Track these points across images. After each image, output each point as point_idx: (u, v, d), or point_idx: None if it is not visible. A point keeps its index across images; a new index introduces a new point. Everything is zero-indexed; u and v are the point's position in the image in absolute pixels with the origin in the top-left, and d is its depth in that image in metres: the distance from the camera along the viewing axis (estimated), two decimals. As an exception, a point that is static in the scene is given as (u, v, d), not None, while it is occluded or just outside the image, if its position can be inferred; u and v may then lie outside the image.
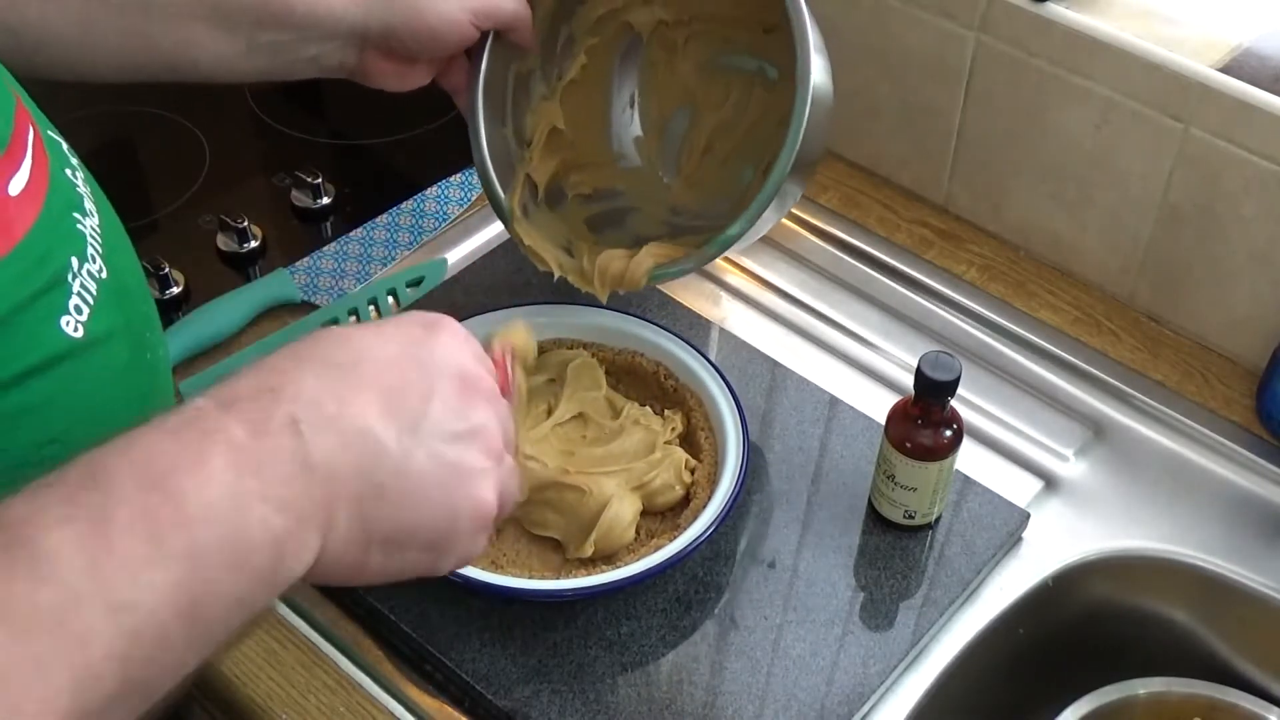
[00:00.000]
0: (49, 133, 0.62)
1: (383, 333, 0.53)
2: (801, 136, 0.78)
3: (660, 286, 1.02)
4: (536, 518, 0.83)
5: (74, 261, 0.58)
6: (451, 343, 0.54)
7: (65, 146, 0.64)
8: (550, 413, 0.85)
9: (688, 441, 0.88)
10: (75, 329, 0.57)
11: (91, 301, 0.58)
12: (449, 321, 0.56)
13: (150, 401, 0.66)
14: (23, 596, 0.40)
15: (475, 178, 1.13)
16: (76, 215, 0.60)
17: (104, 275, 0.60)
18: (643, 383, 0.91)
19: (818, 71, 0.79)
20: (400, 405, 0.50)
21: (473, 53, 0.85)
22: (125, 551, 0.42)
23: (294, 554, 0.47)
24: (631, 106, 0.96)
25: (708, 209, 0.92)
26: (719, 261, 1.07)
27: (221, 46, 0.77)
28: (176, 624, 0.42)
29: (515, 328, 0.69)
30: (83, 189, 0.62)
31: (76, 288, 0.58)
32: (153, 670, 0.43)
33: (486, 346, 0.62)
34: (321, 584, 0.50)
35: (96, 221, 0.62)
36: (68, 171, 0.62)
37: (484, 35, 0.83)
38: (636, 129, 0.96)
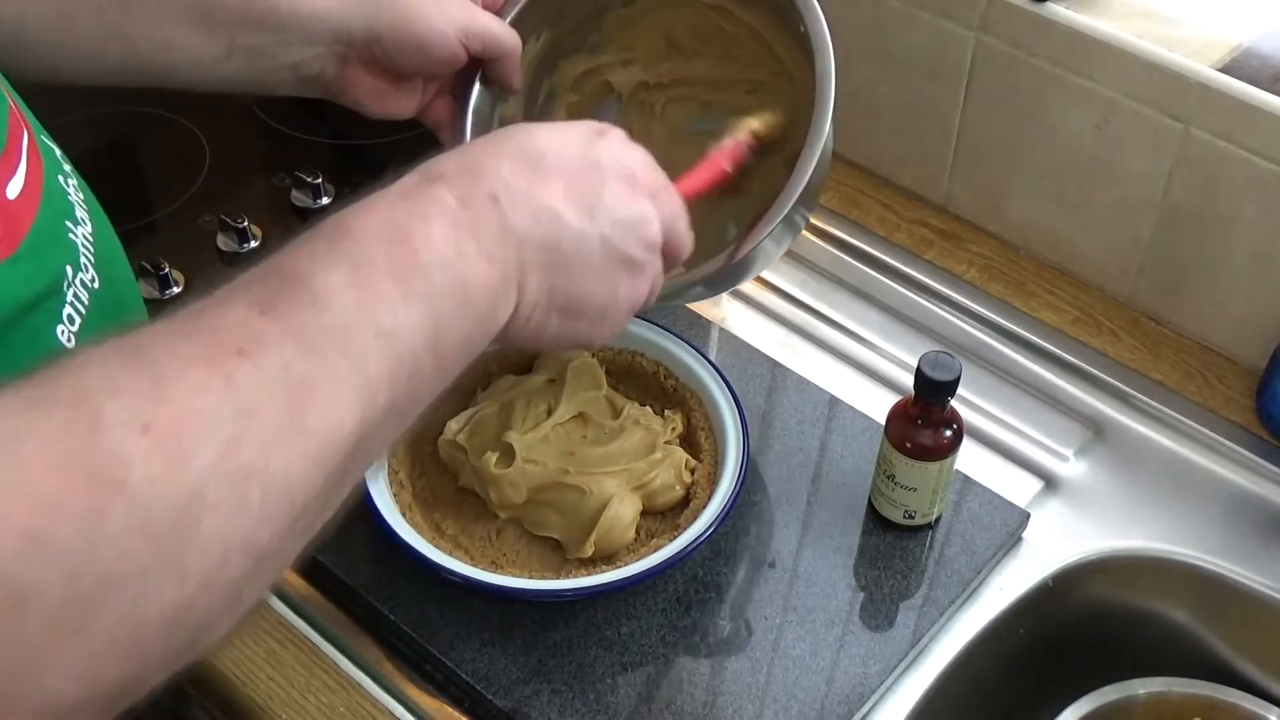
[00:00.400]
0: (42, 138, 0.62)
1: (563, 132, 0.60)
2: (806, 181, 0.75)
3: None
4: (537, 518, 0.83)
5: (69, 270, 0.58)
6: (620, 146, 0.62)
7: (58, 153, 0.63)
8: (550, 413, 0.85)
9: (688, 442, 0.88)
10: (69, 339, 0.57)
11: (84, 311, 0.59)
12: (617, 131, 0.63)
13: None
14: (311, 322, 0.47)
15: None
16: (69, 224, 0.60)
17: (96, 285, 0.60)
18: (643, 383, 0.91)
19: (827, 133, 0.77)
20: (579, 190, 0.58)
21: (458, 92, 0.82)
22: (383, 289, 0.49)
23: (501, 305, 0.55)
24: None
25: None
26: (719, 261, 1.08)
27: (200, 49, 0.75)
28: (425, 354, 0.50)
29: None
30: (75, 196, 0.62)
31: (70, 296, 0.58)
32: (408, 396, 0.50)
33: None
34: (507, 346, 0.60)
35: (89, 230, 0.62)
36: (60, 178, 0.61)
37: (472, 70, 0.81)
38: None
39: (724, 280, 0.82)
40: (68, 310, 0.57)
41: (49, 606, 0.38)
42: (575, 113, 0.90)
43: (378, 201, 0.53)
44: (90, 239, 0.62)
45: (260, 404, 0.44)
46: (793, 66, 0.82)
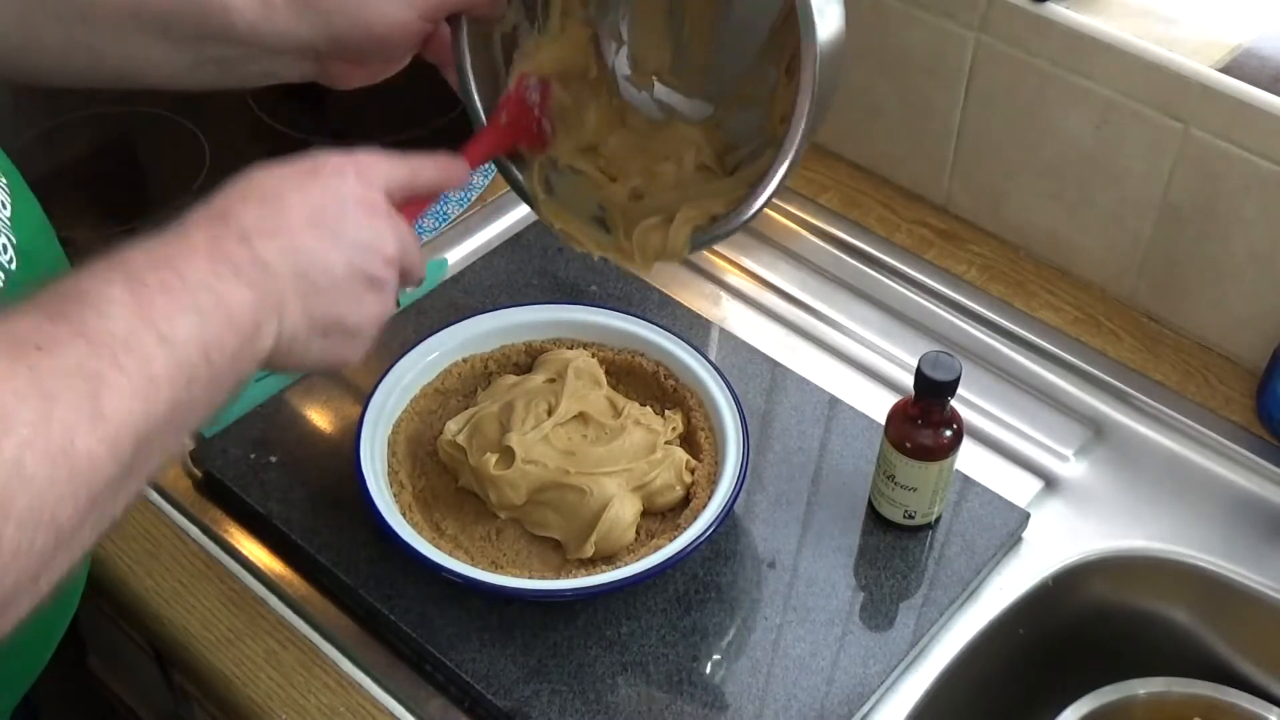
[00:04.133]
0: None
1: (303, 173, 0.65)
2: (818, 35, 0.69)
3: (660, 286, 1.02)
4: (537, 518, 0.83)
5: None
6: (354, 178, 0.66)
7: None
8: (550, 412, 0.85)
9: (688, 442, 0.88)
10: None
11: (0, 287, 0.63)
12: (355, 161, 0.67)
13: None
14: (97, 326, 0.51)
15: (475, 177, 1.13)
16: None
17: (14, 266, 0.64)
18: (643, 383, 0.91)
19: None
20: (321, 222, 0.62)
21: (452, 23, 0.79)
22: (159, 304, 0.54)
23: (264, 326, 0.59)
24: (620, 43, 0.87)
25: (738, 126, 0.84)
26: (719, 261, 1.08)
27: (166, 60, 0.76)
28: (200, 361, 0.54)
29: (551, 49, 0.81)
30: None
31: None
32: (186, 402, 0.54)
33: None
34: (271, 370, 0.64)
35: (9, 214, 0.65)
36: None
37: (456, 22, 0.79)
38: (625, 68, 0.87)
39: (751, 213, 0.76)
40: None
41: None
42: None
43: (139, 244, 0.57)
44: (8, 222, 0.65)
45: (61, 391, 0.48)
46: None
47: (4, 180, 0.65)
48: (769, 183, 0.73)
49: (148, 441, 0.52)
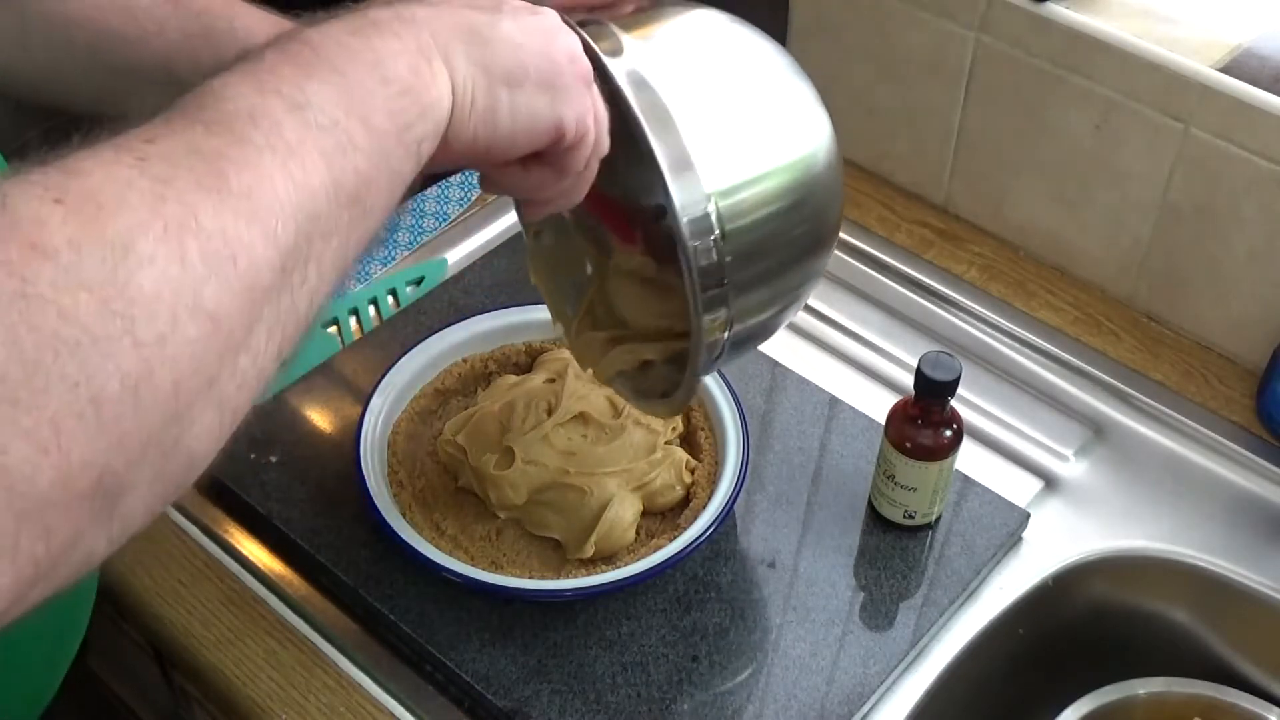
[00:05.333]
0: None
1: None
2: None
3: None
4: (537, 518, 0.83)
5: None
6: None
7: None
8: (550, 412, 0.85)
9: (688, 441, 0.88)
10: None
11: None
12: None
13: None
14: (213, 109, 0.46)
15: (476, 177, 1.13)
16: None
17: None
18: (643, 383, 0.91)
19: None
20: (479, 2, 0.57)
21: None
22: (286, 73, 0.48)
23: (427, 74, 0.52)
24: None
25: None
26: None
27: None
28: (353, 125, 0.48)
29: None
30: None
31: None
32: (354, 175, 0.48)
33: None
34: (474, 147, 0.55)
35: None
36: None
37: None
38: None
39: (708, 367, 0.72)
40: None
41: None
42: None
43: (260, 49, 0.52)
44: None
45: (176, 173, 0.43)
46: None
47: None
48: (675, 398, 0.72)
49: (312, 219, 0.46)
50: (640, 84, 0.61)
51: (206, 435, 0.43)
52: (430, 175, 0.69)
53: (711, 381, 0.88)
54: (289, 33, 0.51)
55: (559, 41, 0.58)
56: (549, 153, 0.58)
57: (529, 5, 0.59)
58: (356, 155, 0.48)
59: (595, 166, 0.61)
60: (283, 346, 0.47)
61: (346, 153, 0.48)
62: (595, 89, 0.59)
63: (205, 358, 0.42)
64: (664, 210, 0.62)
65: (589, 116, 0.58)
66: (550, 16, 0.59)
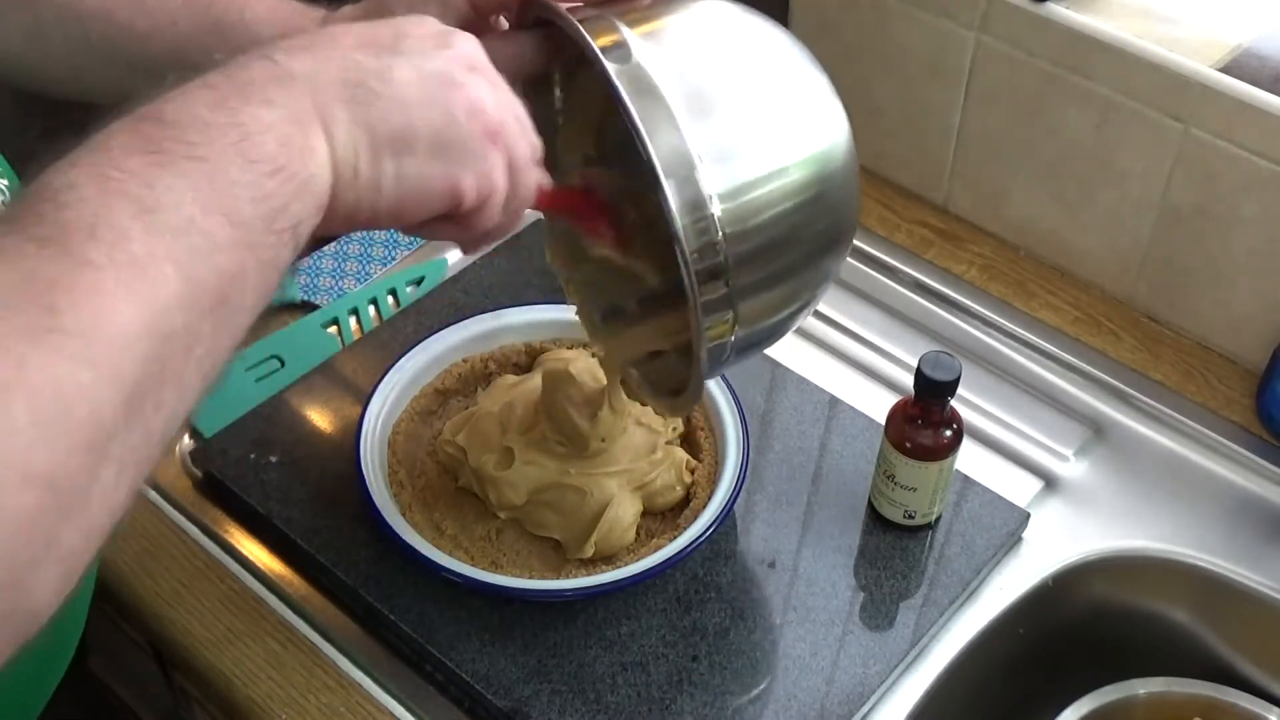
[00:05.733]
0: None
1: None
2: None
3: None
4: (537, 519, 0.83)
5: None
6: (418, 19, 0.54)
7: None
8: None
9: (687, 441, 0.88)
10: None
11: None
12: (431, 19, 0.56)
13: None
14: (50, 221, 0.40)
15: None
16: None
17: None
18: (643, 383, 0.91)
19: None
20: (374, 40, 0.51)
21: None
22: (133, 167, 0.42)
23: (300, 148, 0.47)
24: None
25: None
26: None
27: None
28: (212, 221, 0.43)
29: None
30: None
31: None
32: (214, 275, 0.43)
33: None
34: (358, 217, 0.50)
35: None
36: None
37: None
38: None
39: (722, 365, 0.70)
40: None
41: None
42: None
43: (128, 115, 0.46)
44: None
45: (2, 317, 0.38)
46: None
47: (4, 183, 0.65)
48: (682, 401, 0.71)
49: (166, 340, 0.41)
50: (640, 81, 0.58)
51: (50, 590, 0.40)
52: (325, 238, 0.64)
53: (712, 382, 0.88)
54: (145, 110, 0.45)
55: (461, 92, 0.52)
56: (451, 213, 0.54)
57: (438, 33, 0.53)
58: (218, 255, 0.43)
59: (520, 211, 0.57)
60: (138, 476, 0.42)
61: (206, 255, 0.43)
62: (511, 133, 0.54)
63: (42, 523, 0.38)
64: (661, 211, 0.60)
65: (494, 175, 0.54)
66: (459, 49, 0.53)
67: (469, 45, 0.54)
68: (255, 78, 0.47)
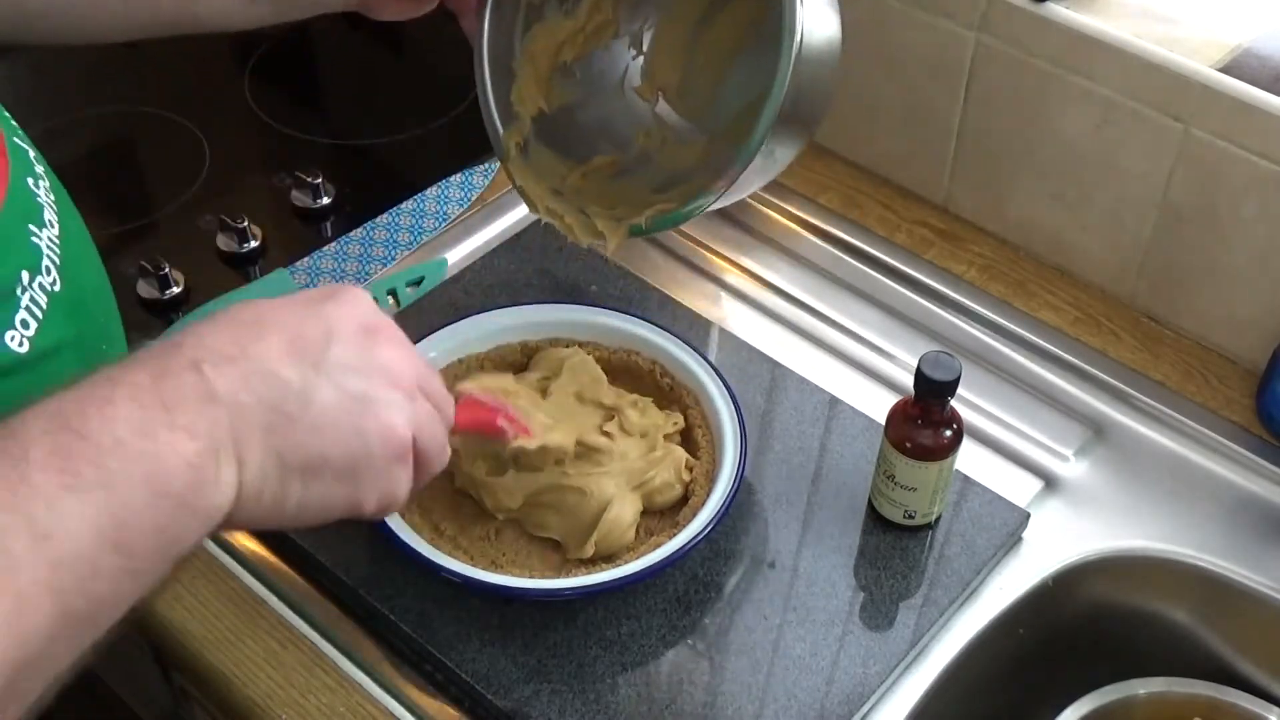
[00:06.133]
0: (14, 139, 0.62)
1: (287, 300, 0.55)
2: (784, 91, 0.72)
3: (660, 286, 1.02)
4: (537, 519, 0.83)
5: (24, 275, 0.57)
6: (351, 300, 0.56)
7: (33, 154, 0.63)
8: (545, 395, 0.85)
9: (685, 439, 0.88)
10: (20, 344, 0.56)
11: (40, 315, 0.58)
12: (351, 287, 0.57)
13: None
14: None
15: (475, 178, 1.13)
16: (33, 227, 0.59)
17: (57, 288, 0.60)
18: (639, 381, 0.91)
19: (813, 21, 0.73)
20: (301, 347, 0.52)
21: None
22: (41, 483, 0.42)
23: (211, 481, 0.47)
24: (639, 52, 0.90)
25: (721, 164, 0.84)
26: (719, 261, 1.08)
27: None
28: (103, 552, 0.43)
29: (487, 380, 0.79)
30: (45, 198, 0.62)
31: (25, 301, 0.57)
32: (88, 602, 0.43)
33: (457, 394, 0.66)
34: (251, 527, 0.53)
35: (56, 232, 0.61)
36: (30, 181, 0.61)
37: None
38: (636, 77, 0.90)
39: (712, 203, 0.78)
40: (21, 315, 0.57)
41: None
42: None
43: (56, 392, 0.46)
44: (56, 242, 0.61)
45: None
46: None
47: (53, 197, 0.63)
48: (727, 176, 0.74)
49: (27, 667, 0.41)
50: None
51: None
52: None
53: (707, 379, 0.88)
54: (70, 412, 0.45)
55: (377, 417, 0.53)
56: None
57: (365, 325, 0.55)
58: (99, 583, 0.43)
59: (427, 479, 0.60)
60: None
61: (87, 582, 0.43)
62: (422, 440, 0.56)
63: None
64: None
65: (398, 490, 0.56)
66: (391, 354, 0.55)
67: (399, 346, 0.56)
68: (182, 397, 0.47)
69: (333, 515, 0.54)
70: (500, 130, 0.84)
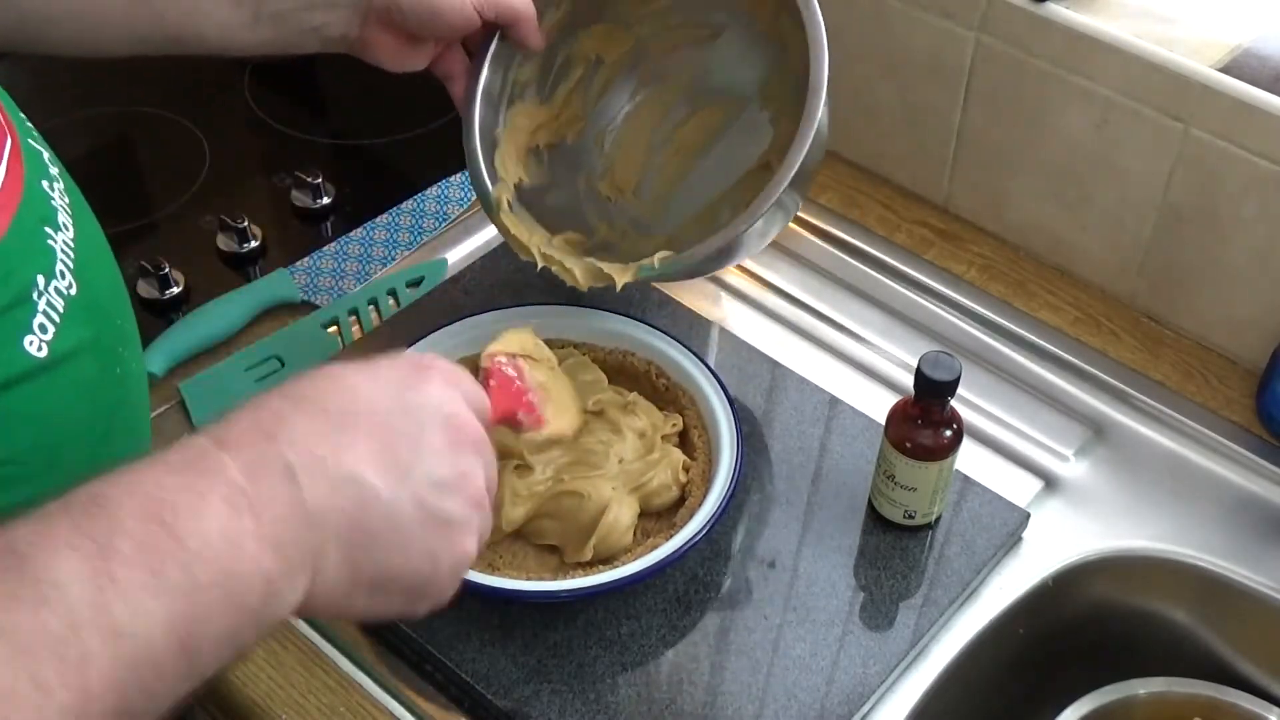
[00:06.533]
0: (29, 141, 0.62)
1: (376, 377, 0.54)
2: (795, 169, 0.79)
3: (660, 287, 1.02)
4: (537, 530, 0.83)
5: (40, 279, 0.57)
6: (442, 388, 0.56)
7: (47, 156, 0.63)
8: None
9: (681, 441, 0.88)
10: (39, 348, 0.56)
11: (58, 319, 0.58)
12: (441, 365, 0.57)
13: (118, 414, 0.65)
14: (27, 619, 0.40)
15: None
16: (48, 230, 0.59)
17: (73, 291, 0.60)
18: (635, 382, 0.91)
19: (821, 112, 0.80)
20: (391, 454, 0.52)
21: (473, 48, 0.87)
22: (126, 581, 0.42)
23: (282, 594, 0.48)
24: (601, 150, 0.98)
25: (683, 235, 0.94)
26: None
27: (227, 16, 0.77)
28: (171, 654, 0.44)
29: (512, 336, 0.73)
30: (59, 201, 0.62)
31: (42, 306, 0.57)
32: (145, 699, 0.44)
33: (476, 370, 0.64)
34: (302, 617, 0.52)
35: (71, 235, 0.61)
36: (44, 183, 0.61)
37: (490, 32, 0.85)
38: (598, 174, 0.98)
39: (713, 262, 0.85)
40: (38, 320, 0.57)
41: None
42: (584, 84, 0.94)
43: (148, 469, 0.46)
44: (71, 245, 0.61)
45: None
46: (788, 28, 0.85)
47: (68, 199, 0.63)
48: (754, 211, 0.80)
49: None
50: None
51: None
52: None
53: (703, 379, 0.88)
54: (163, 498, 0.45)
55: (453, 545, 0.54)
56: None
57: (456, 422, 0.54)
58: (160, 681, 0.44)
59: None
60: None
61: (149, 682, 0.43)
62: (482, 541, 0.56)
63: None
64: None
65: (445, 596, 0.56)
66: (472, 459, 0.55)
67: (474, 422, 0.56)
68: (275, 509, 0.47)
69: (382, 619, 0.55)
70: (490, 185, 0.88)
